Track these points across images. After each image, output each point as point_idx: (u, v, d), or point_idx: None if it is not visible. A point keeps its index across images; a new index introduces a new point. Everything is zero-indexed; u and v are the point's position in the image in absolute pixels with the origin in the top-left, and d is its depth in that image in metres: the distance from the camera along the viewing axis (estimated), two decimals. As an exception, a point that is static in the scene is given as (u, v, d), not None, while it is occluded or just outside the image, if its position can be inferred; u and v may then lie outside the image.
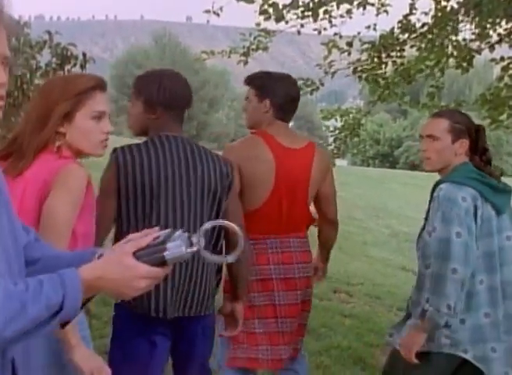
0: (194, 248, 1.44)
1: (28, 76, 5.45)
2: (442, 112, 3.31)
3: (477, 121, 3.08)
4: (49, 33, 5.48)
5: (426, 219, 2.90)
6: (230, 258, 1.53)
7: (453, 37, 7.09)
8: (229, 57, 7.18)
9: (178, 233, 1.45)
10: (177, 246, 1.41)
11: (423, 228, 2.91)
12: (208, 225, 1.53)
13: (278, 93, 3.26)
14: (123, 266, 1.37)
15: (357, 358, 4.97)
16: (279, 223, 3.24)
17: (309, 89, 7.24)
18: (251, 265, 3.08)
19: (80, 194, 2.22)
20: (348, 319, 6.08)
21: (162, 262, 1.40)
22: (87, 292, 1.35)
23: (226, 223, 1.60)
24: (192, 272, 2.70)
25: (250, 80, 3.37)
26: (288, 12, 6.59)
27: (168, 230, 1.48)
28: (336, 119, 8.14)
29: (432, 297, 2.69)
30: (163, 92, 2.71)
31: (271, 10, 6.50)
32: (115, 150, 2.66)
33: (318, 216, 3.48)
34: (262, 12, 6.52)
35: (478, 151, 2.90)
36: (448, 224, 2.68)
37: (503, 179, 2.99)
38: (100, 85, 2.31)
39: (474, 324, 2.76)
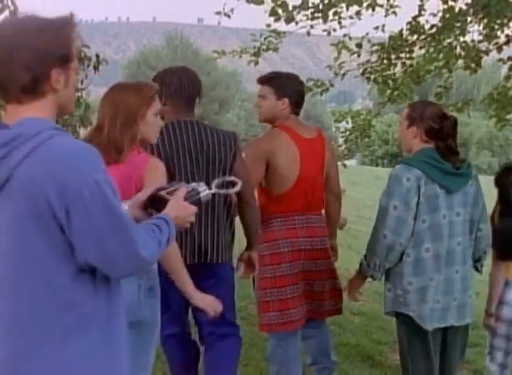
0: (213, 190, 2.19)
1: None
2: (411, 103, 3.81)
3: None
4: (63, 35, 5.49)
5: None
6: (232, 191, 2.41)
7: (462, 39, 7.07)
8: (240, 57, 7.18)
9: (201, 183, 2.17)
10: (204, 190, 2.13)
11: None
12: (219, 179, 2.29)
13: (293, 91, 3.76)
14: (182, 208, 2.03)
15: (366, 356, 4.96)
16: (304, 203, 3.75)
17: (319, 90, 7.24)
18: (259, 223, 3.58)
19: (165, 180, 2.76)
20: (357, 316, 6.07)
21: (198, 202, 2.12)
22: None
23: (231, 178, 2.48)
24: (207, 225, 3.29)
25: (267, 80, 3.79)
26: (298, 13, 6.59)
27: (193, 184, 2.16)
28: (347, 121, 8.15)
29: (367, 253, 3.29)
30: (167, 87, 3.30)
31: (280, 11, 6.50)
32: None
33: (325, 193, 3.97)
34: (272, 13, 6.52)
35: (443, 138, 3.24)
36: (389, 198, 3.17)
37: None
38: (156, 89, 2.85)
39: (420, 287, 3.18)
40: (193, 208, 2.06)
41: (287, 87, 3.74)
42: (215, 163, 3.31)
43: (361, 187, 21.18)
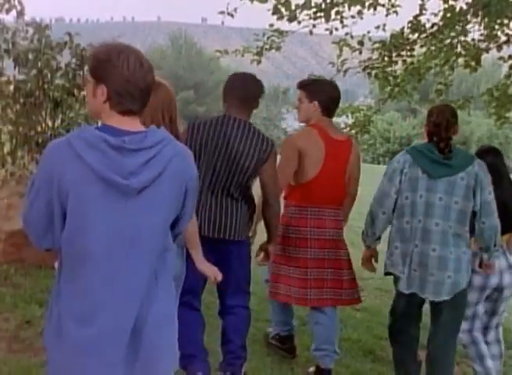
0: None
1: (49, 76, 5.47)
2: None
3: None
4: (69, 34, 5.49)
5: None
6: None
7: (462, 38, 7.06)
8: (243, 56, 7.18)
9: None
10: None
11: None
12: None
13: (324, 96, 4.11)
14: None
15: (367, 351, 4.97)
16: (321, 196, 4.08)
17: None
18: (278, 222, 3.92)
19: None
20: (359, 312, 6.06)
21: None
22: None
23: None
24: (227, 207, 3.68)
25: (302, 85, 4.20)
26: (301, 12, 6.58)
27: None
28: (348, 116, 8.13)
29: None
30: (224, 86, 3.79)
31: (283, 10, 6.49)
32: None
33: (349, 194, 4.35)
34: (275, 11, 6.52)
35: (436, 135, 3.76)
36: (384, 176, 3.82)
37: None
38: None
39: (404, 251, 3.77)
40: None
41: (319, 92, 4.10)
42: (238, 161, 3.65)
43: (363, 185, 21.03)
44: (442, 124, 3.76)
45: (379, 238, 4.02)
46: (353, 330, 5.34)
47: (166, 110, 3.19)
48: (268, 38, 7.01)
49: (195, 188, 2.30)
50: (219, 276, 3.12)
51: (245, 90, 3.74)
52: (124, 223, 2.10)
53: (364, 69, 7.30)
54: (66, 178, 2.04)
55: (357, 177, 4.37)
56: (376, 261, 4.21)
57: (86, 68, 5.37)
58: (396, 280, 3.88)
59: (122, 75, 2.10)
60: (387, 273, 3.97)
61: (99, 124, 2.24)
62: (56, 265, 2.21)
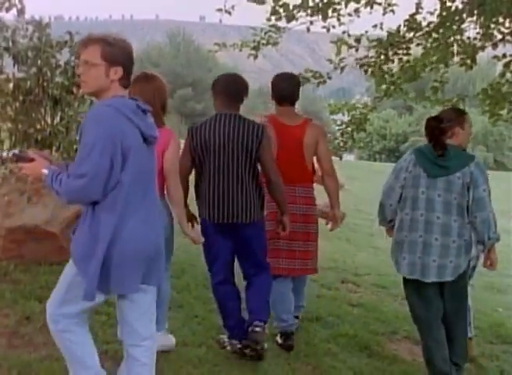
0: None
1: (48, 74, 5.46)
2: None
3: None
4: (70, 33, 5.48)
5: None
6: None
7: (458, 37, 7.05)
8: (241, 50, 7.15)
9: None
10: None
11: None
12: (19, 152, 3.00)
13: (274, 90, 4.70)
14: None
15: (364, 346, 4.96)
16: (285, 176, 4.33)
17: (316, 81, 7.23)
18: (282, 194, 4.29)
19: None
20: (355, 308, 6.06)
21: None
22: None
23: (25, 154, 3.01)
24: (229, 188, 4.09)
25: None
26: (298, 12, 6.57)
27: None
28: (344, 114, 8.12)
29: None
30: (215, 86, 4.25)
31: (281, 10, 6.48)
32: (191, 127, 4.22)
33: (320, 171, 4.73)
34: (273, 12, 6.50)
35: (438, 141, 4.18)
36: (392, 172, 4.33)
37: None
38: None
39: (398, 240, 4.29)
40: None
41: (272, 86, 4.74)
42: (242, 149, 4.09)
43: (359, 182, 21.16)
44: (434, 131, 4.20)
45: (392, 221, 4.44)
46: (350, 326, 5.34)
47: (159, 98, 3.79)
48: (265, 33, 6.99)
49: None
50: (201, 240, 3.97)
51: (233, 88, 4.21)
52: (150, 168, 2.90)
53: (361, 66, 7.29)
54: (127, 137, 2.71)
55: (326, 155, 4.71)
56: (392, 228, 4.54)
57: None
58: (396, 264, 4.34)
59: (129, 57, 2.81)
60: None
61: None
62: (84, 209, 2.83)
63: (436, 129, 4.20)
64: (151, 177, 2.90)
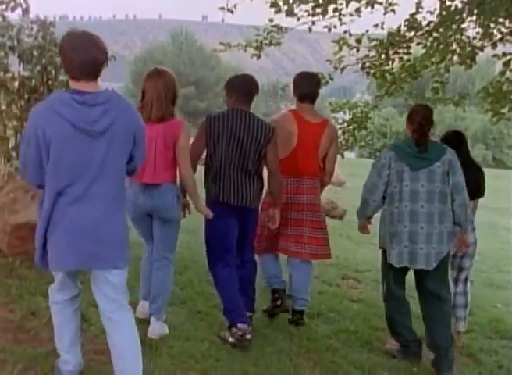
0: None
1: (53, 72, 5.46)
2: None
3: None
4: (73, 32, 5.48)
5: None
6: None
7: (458, 36, 7.04)
8: (245, 51, 7.18)
9: None
10: None
11: None
12: None
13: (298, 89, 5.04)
14: None
15: (364, 342, 4.98)
16: (298, 168, 4.91)
17: None
18: (280, 189, 4.66)
19: None
20: (356, 304, 6.08)
21: None
22: None
23: None
24: (237, 176, 4.45)
25: None
26: (298, 6, 6.57)
27: None
28: (345, 112, 8.12)
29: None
30: (231, 85, 4.58)
31: (281, 3, 6.49)
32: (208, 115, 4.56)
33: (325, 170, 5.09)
34: (273, 4, 6.51)
35: (425, 136, 4.50)
36: (371, 169, 4.58)
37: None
38: None
39: (392, 232, 4.51)
40: None
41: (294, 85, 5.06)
42: (252, 145, 4.45)
43: (360, 179, 21.05)
44: (426, 125, 4.49)
45: (370, 217, 4.81)
46: (351, 322, 5.36)
47: (169, 92, 4.06)
48: (268, 33, 7.01)
49: (142, 134, 3.14)
50: (210, 215, 4.26)
51: (248, 87, 4.55)
52: (91, 157, 2.95)
53: (362, 68, 7.29)
54: (51, 128, 2.86)
55: (333, 157, 5.11)
56: (369, 223, 4.88)
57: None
58: (388, 255, 4.59)
59: (75, 48, 2.94)
60: (381, 248, 4.73)
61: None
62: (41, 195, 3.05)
63: (426, 126, 4.50)
64: (96, 167, 2.96)
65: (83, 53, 2.90)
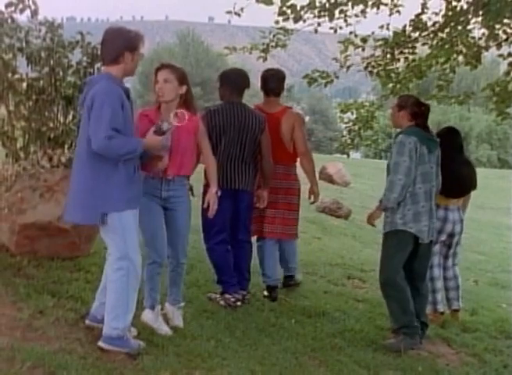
0: (170, 126, 3.75)
1: (61, 73, 5.46)
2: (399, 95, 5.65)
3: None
4: (81, 33, 5.48)
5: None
6: (166, 126, 3.74)
7: (463, 37, 7.02)
8: (251, 53, 7.19)
9: (164, 121, 3.73)
10: (165, 124, 3.69)
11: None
12: (173, 112, 3.88)
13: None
14: (149, 138, 3.75)
15: (370, 341, 4.97)
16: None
17: (324, 81, 7.24)
18: (271, 172, 5.19)
19: None
20: (361, 303, 6.06)
21: (163, 133, 3.72)
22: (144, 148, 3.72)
23: (179, 110, 3.94)
24: (244, 167, 5.00)
25: None
26: (305, 12, 6.56)
27: (159, 122, 3.75)
28: (352, 113, 8.13)
29: (386, 194, 4.82)
30: (225, 79, 5.10)
31: (289, 11, 6.47)
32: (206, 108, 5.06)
33: (298, 152, 5.46)
34: (281, 13, 6.50)
35: (421, 120, 4.89)
36: (399, 156, 4.75)
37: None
38: None
39: (415, 211, 4.82)
40: (156, 138, 3.73)
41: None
42: (248, 134, 4.97)
43: (365, 179, 21.12)
44: (427, 117, 4.92)
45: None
46: (356, 321, 5.35)
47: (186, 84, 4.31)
48: (274, 36, 7.00)
49: (97, 107, 3.56)
50: (215, 190, 4.47)
51: (243, 81, 5.07)
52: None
53: (366, 68, 7.28)
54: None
55: (300, 138, 5.45)
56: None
57: (96, 66, 5.36)
58: (399, 233, 4.82)
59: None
60: (386, 233, 4.93)
61: None
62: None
63: (427, 114, 4.93)
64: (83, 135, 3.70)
65: None
